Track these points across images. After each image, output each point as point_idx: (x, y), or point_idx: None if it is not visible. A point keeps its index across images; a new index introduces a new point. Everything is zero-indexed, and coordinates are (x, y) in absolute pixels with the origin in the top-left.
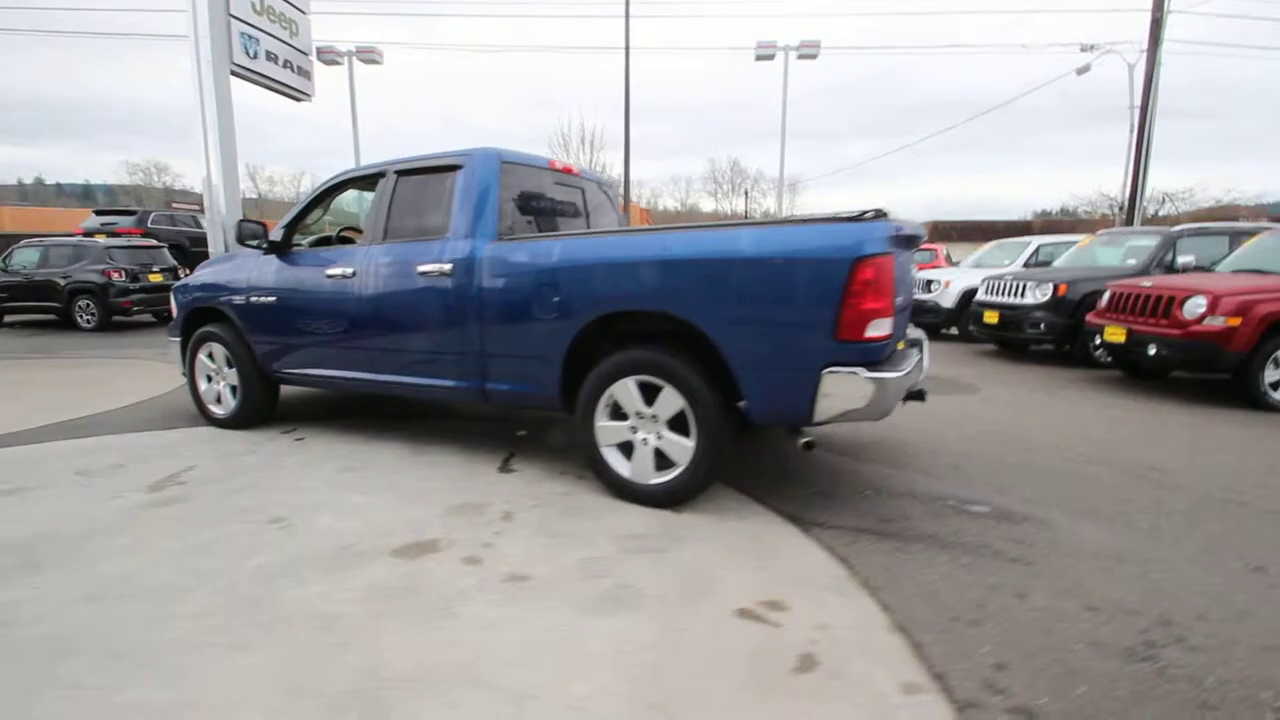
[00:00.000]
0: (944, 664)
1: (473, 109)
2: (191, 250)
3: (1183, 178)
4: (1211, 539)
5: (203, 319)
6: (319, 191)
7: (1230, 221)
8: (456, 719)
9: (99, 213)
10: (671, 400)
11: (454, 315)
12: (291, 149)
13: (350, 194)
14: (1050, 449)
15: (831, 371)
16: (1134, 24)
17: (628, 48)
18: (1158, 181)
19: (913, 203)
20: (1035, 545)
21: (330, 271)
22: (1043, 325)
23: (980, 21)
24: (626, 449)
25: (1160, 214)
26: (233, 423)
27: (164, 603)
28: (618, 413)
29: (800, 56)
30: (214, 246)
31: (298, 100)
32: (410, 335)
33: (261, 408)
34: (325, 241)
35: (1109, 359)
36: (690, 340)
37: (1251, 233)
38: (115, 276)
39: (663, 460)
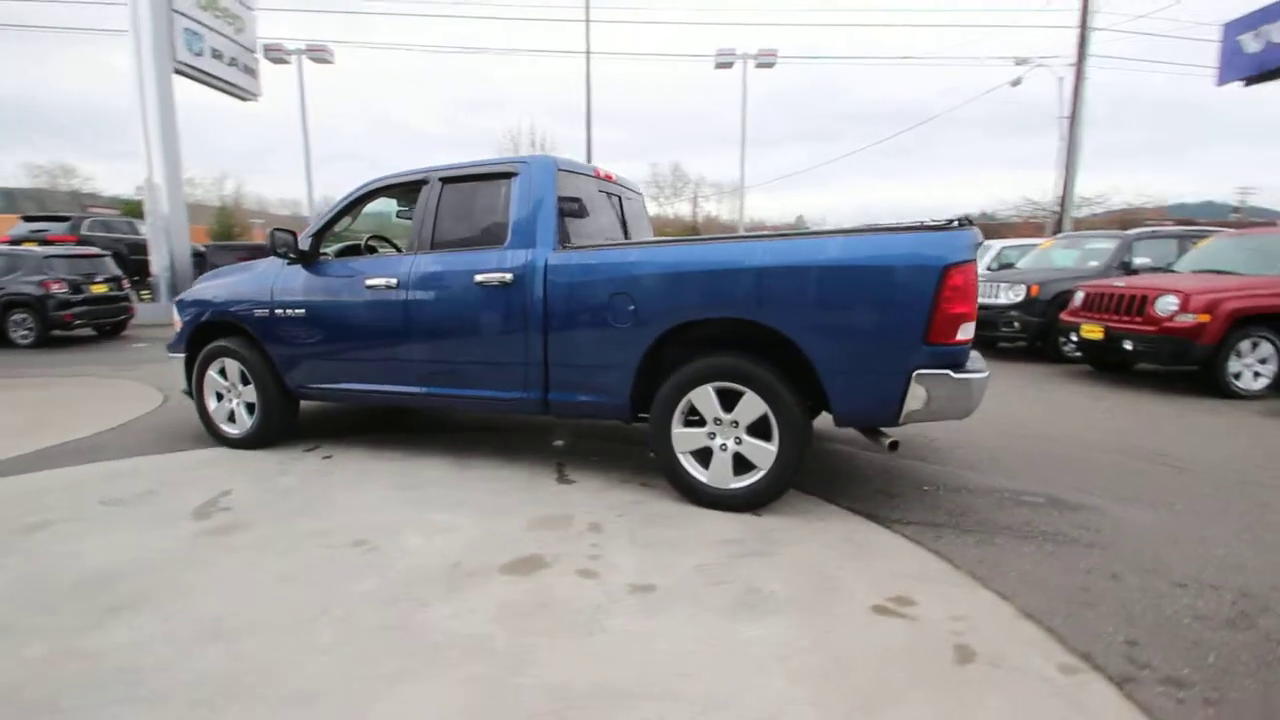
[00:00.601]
0: (1083, 645)
1: (404, 110)
2: (131, 258)
3: (1095, 183)
4: (1246, 517)
5: (211, 333)
6: (350, 199)
7: (1155, 224)
8: None
9: (27, 219)
10: (753, 405)
11: (515, 325)
12: (213, 150)
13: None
14: (1067, 440)
15: (922, 374)
16: (1064, 40)
17: (588, 51)
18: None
19: (845, 207)
20: (1101, 530)
21: (371, 282)
22: (1017, 324)
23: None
24: (702, 455)
25: (1078, 217)
26: (249, 442)
27: (292, 637)
28: (692, 419)
29: (758, 65)
30: (156, 252)
31: (244, 100)
32: (464, 346)
33: (281, 426)
34: (352, 251)
35: (1078, 354)
36: (767, 345)
37: (1199, 236)
38: (55, 288)
39: (740, 464)
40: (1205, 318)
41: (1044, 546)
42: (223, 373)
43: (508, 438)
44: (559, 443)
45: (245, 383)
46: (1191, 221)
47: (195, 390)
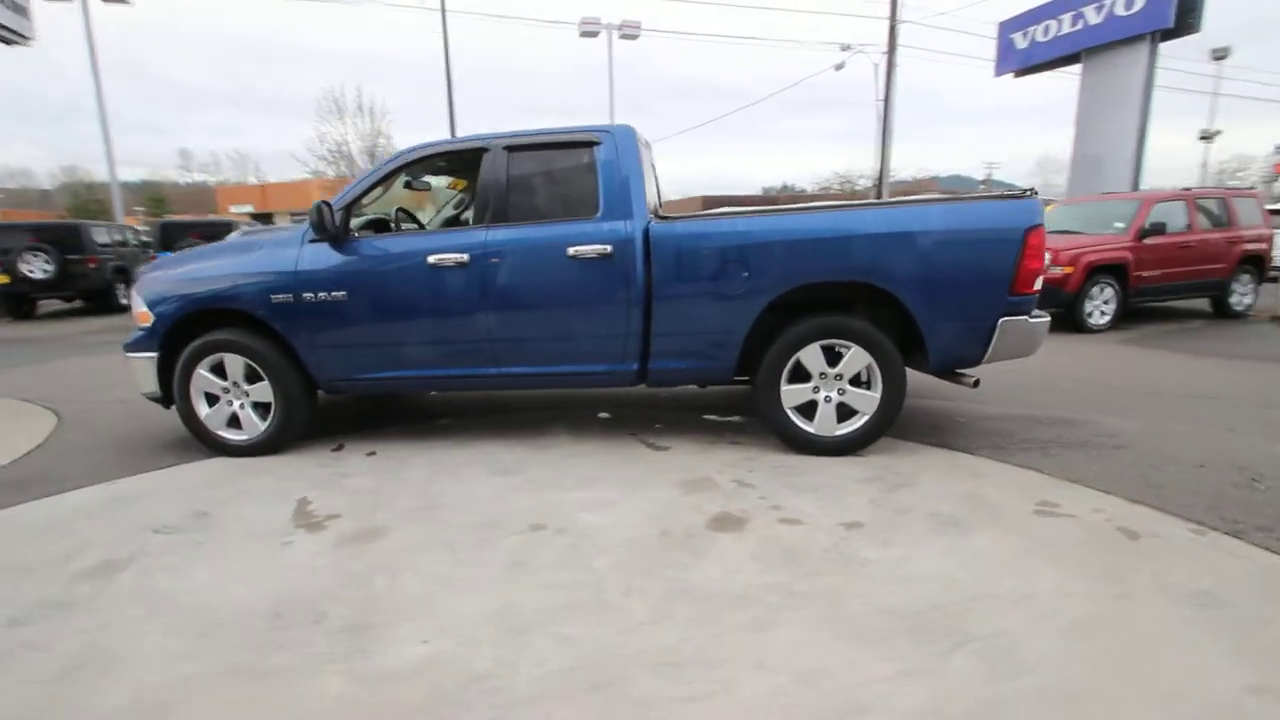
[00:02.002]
0: (1188, 514)
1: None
2: None
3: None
4: (1188, 419)
5: (195, 326)
6: (386, 168)
7: (935, 192)
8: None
9: None
10: (858, 358)
11: (614, 297)
12: None
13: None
14: (1026, 372)
15: (1007, 320)
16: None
17: (444, 10)
18: (866, 162)
19: (668, 179)
20: (1115, 436)
21: (436, 258)
22: None
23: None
24: (804, 408)
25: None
26: (262, 448)
27: (620, 620)
28: (796, 376)
29: (622, 36)
30: None
31: (10, 44)
32: (553, 322)
33: (301, 426)
34: (379, 225)
35: None
36: (864, 304)
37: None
38: None
39: (841, 413)
40: (1070, 269)
41: (1089, 453)
42: (217, 371)
43: (538, 417)
44: (604, 415)
45: (253, 380)
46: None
47: (179, 394)
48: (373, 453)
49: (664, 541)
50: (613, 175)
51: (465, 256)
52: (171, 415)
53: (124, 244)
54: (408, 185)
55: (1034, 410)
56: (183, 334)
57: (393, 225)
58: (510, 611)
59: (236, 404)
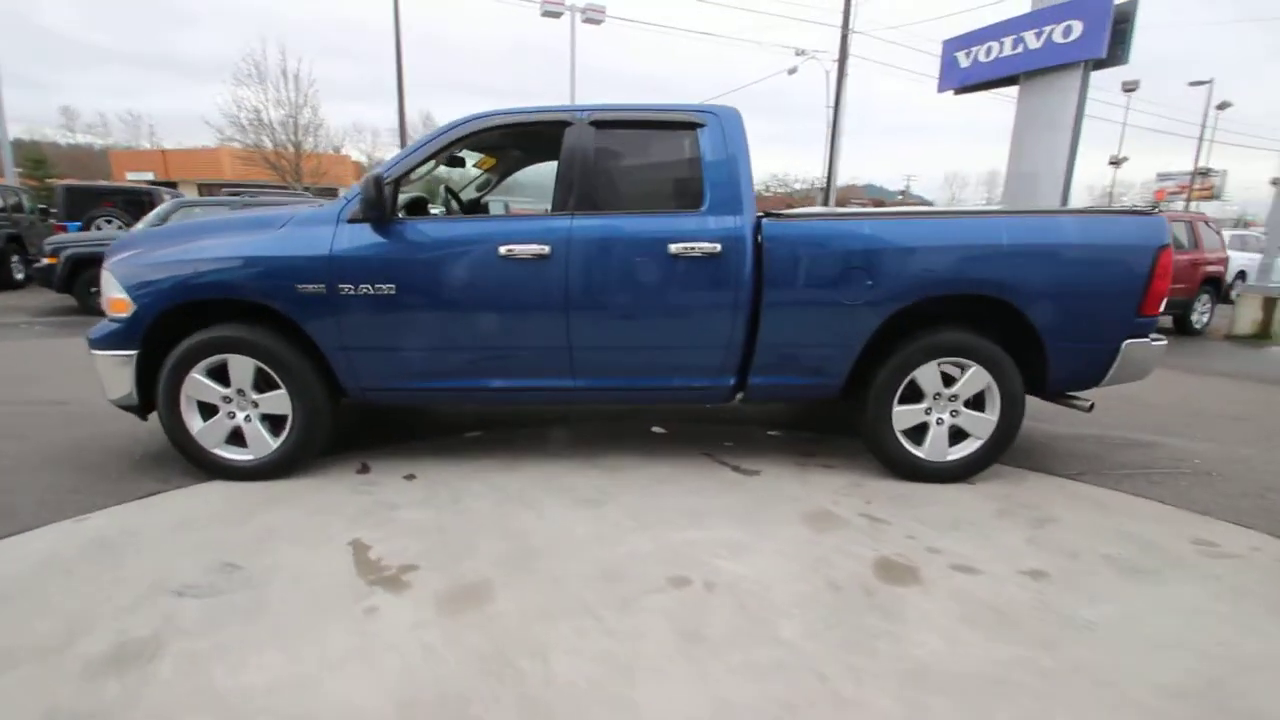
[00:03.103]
0: None
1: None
2: None
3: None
4: (1249, 441)
5: (186, 318)
6: (445, 139)
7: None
8: None
9: None
10: (977, 378)
11: (718, 302)
12: None
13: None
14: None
15: (1132, 343)
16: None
17: None
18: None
19: None
20: (1198, 460)
21: (509, 248)
22: None
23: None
24: (913, 430)
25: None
26: (271, 469)
27: (911, 693)
28: (908, 396)
29: (585, 20)
30: None
31: None
32: (645, 329)
33: (321, 443)
34: (417, 207)
35: None
36: (982, 319)
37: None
38: None
39: (953, 437)
40: None
41: (1190, 480)
42: (217, 376)
43: (584, 432)
44: (659, 429)
45: (263, 388)
46: (881, 201)
47: (165, 403)
48: (411, 476)
49: (843, 599)
50: (720, 164)
51: (545, 248)
52: (140, 424)
53: (18, 209)
54: (453, 162)
55: (1099, 430)
56: (171, 328)
57: (439, 206)
58: (728, 713)
59: (241, 416)
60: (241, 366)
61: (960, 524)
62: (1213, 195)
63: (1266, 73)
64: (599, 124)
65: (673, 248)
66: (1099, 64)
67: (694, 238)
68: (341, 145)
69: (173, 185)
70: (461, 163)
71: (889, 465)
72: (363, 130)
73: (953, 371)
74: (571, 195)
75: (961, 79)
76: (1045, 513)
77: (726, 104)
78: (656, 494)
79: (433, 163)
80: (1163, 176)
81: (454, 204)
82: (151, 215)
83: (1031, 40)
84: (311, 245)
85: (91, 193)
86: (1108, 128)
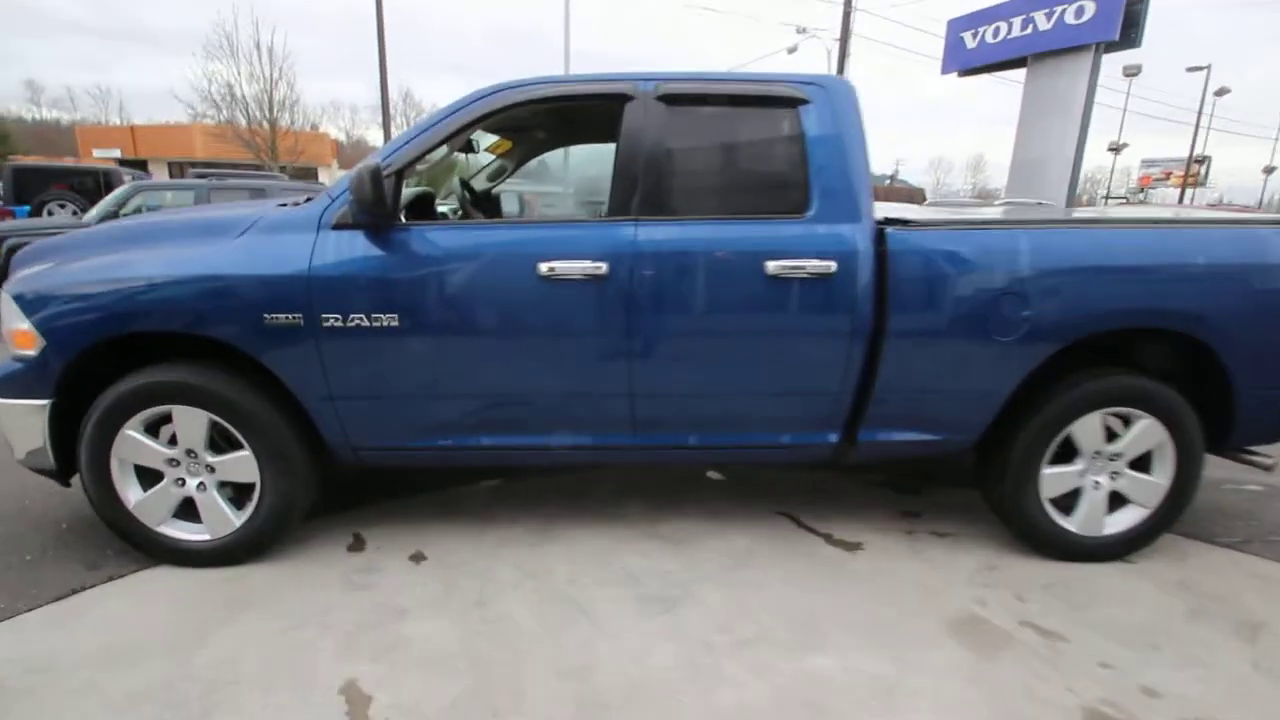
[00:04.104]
0: None
1: None
2: None
3: None
4: None
5: (120, 354)
6: (465, 116)
7: None
8: None
9: None
10: (1149, 435)
11: (826, 336)
12: None
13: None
14: None
15: None
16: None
17: None
18: None
19: None
20: None
21: (552, 266)
22: None
23: None
24: (1065, 498)
25: None
26: (236, 552)
27: None
28: (1057, 455)
29: None
30: None
31: None
32: (731, 371)
33: (301, 516)
34: (423, 206)
35: None
36: (1146, 359)
37: None
38: None
39: (1112, 504)
40: None
41: None
42: (157, 434)
43: (621, 477)
44: (715, 474)
45: (222, 448)
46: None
47: (90, 468)
48: (419, 556)
49: None
50: (830, 153)
51: (601, 266)
52: (61, 491)
53: None
54: (466, 148)
55: (1220, 473)
56: (96, 367)
57: (450, 202)
58: None
59: (193, 483)
60: (190, 421)
61: (1155, 637)
62: (1198, 182)
63: (1251, 57)
64: (670, 99)
65: (770, 266)
66: (1110, 47)
67: (799, 252)
68: (319, 122)
69: (142, 164)
70: (472, 147)
71: (1030, 540)
72: (340, 107)
73: (1114, 424)
74: (635, 195)
75: (966, 61)
76: (1244, 610)
77: (835, 76)
78: (743, 584)
79: (446, 148)
80: (1148, 163)
81: (468, 201)
82: (106, 201)
83: (1042, 21)
84: (283, 260)
85: (42, 173)
86: (1103, 113)
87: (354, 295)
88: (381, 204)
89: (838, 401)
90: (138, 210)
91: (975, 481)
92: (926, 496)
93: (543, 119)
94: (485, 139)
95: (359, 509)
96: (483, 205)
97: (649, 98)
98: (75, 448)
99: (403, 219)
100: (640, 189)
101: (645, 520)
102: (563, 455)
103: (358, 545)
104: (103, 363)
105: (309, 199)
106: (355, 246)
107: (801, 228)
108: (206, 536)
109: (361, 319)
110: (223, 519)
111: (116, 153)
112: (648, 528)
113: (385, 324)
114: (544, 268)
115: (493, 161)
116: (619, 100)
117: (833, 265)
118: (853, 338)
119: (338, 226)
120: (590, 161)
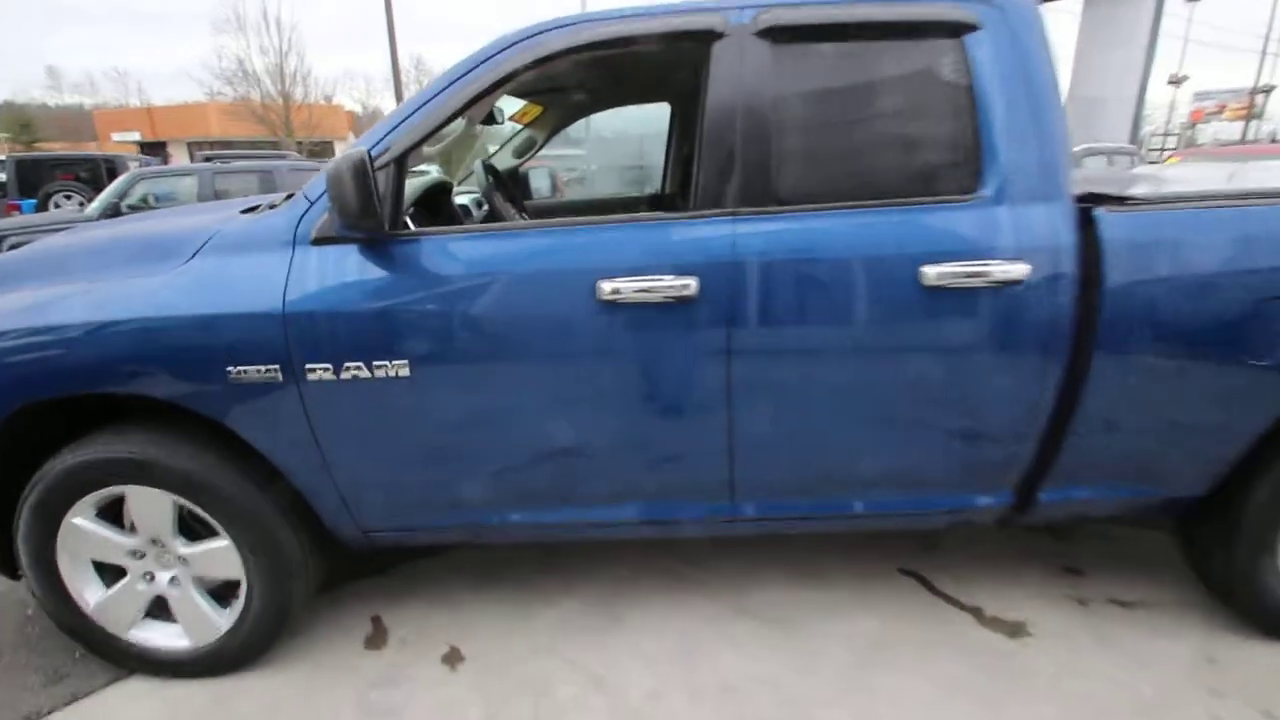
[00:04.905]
0: None
1: None
2: None
3: None
4: None
5: (53, 426)
6: (486, 75)
7: None
8: None
9: None
10: None
11: (1009, 365)
12: None
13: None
14: None
15: None
16: None
17: None
18: None
19: None
20: None
21: (615, 286)
22: None
23: None
24: None
25: None
26: (221, 661)
27: None
28: None
29: None
30: None
31: None
32: (869, 417)
33: (301, 609)
34: (436, 202)
35: None
36: None
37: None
38: None
39: None
40: None
41: None
42: (114, 516)
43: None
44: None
45: (198, 533)
46: None
47: (33, 565)
48: (455, 654)
49: None
50: (1013, 103)
51: (688, 283)
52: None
53: None
54: (488, 120)
55: None
56: (27, 437)
57: (470, 193)
58: None
59: (164, 577)
60: (150, 504)
61: None
62: (1252, 114)
63: None
64: (777, 34)
65: (929, 274)
66: None
67: (971, 252)
68: (333, 94)
69: (161, 146)
70: (495, 117)
71: (1263, 623)
72: (354, 77)
73: None
74: (730, 178)
75: None
76: None
77: None
78: (884, 698)
79: (463, 121)
80: (1200, 95)
81: (494, 191)
82: (106, 192)
83: None
84: (247, 293)
85: (44, 164)
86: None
87: (347, 337)
88: (371, 211)
89: (1017, 451)
90: (144, 200)
91: (1181, 546)
92: (1080, 542)
93: (590, 73)
94: (509, 104)
95: (380, 577)
96: (509, 192)
97: (746, 34)
98: (9, 537)
99: (409, 225)
100: (738, 170)
101: (730, 588)
102: (633, 530)
103: (378, 638)
104: (46, 425)
105: (289, 197)
106: (345, 269)
107: (973, 214)
108: (186, 644)
109: (360, 368)
110: (204, 622)
111: (136, 135)
112: (734, 599)
113: (392, 373)
114: (606, 288)
115: (518, 133)
116: (702, 40)
117: (1023, 269)
118: (1046, 366)
119: (319, 241)
120: (654, 131)
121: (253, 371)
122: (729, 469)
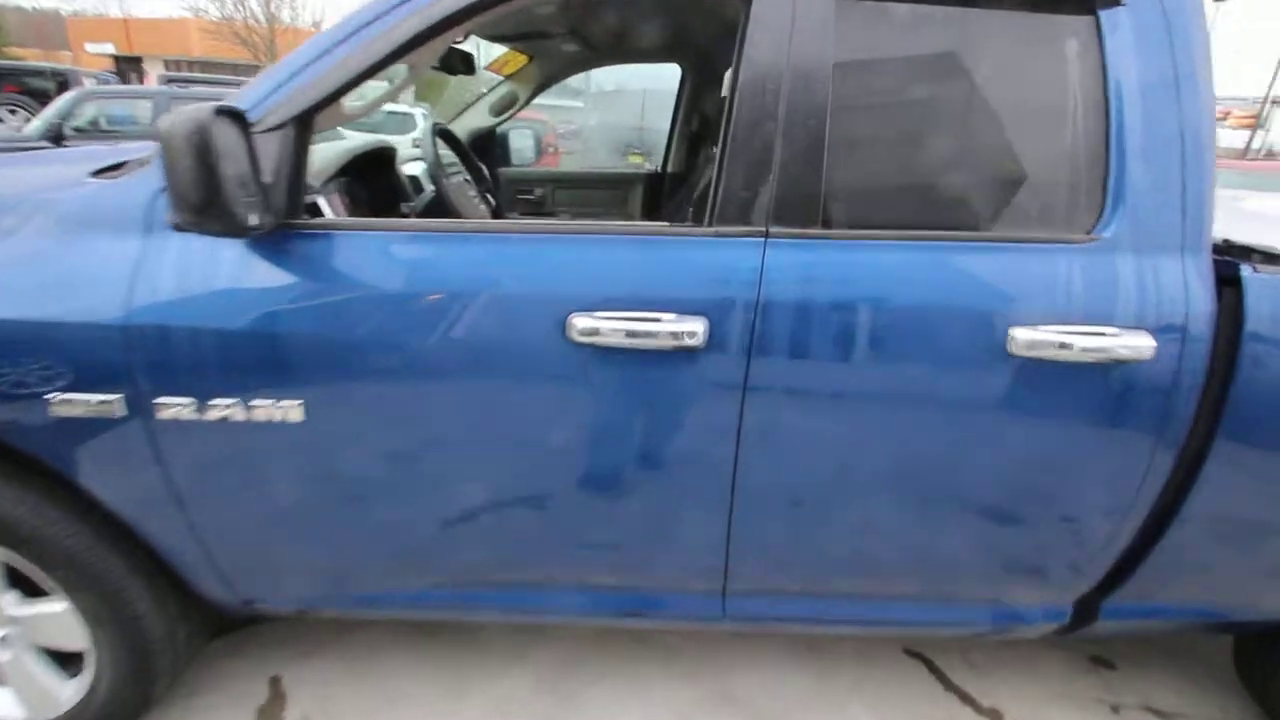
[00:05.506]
0: None
1: None
2: None
3: None
4: None
5: None
6: (421, 9)
7: None
8: None
9: None
10: None
11: (1107, 458)
12: None
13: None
14: None
15: None
16: None
17: None
18: None
19: None
20: None
21: (589, 324)
22: None
23: None
24: None
25: None
26: None
27: None
28: None
29: None
30: None
31: None
32: (905, 509)
33: (168, 681)
34: (372, 173)
35: None
36: None
37: None
38: None
39: None
40: None
41: None
42: None
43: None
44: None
45: (33, 590)
46: None
47: None
48: None
49: None
50: (1157, 112)
51: (695, 327)
52: None
53: None
54: (450, 64)
55: None
56: None
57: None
58: None
59: None
60: None
61: None
62: (1259, 124)
63: None
64: None
65: (1019, 339)
66: None
67: (1079, 314)
68: (323, 20)
69: (137, 61)
70: (467, 62)
71: None
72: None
73: None
74: (765, 183)
75: None
76: None
77: None
78: None
79: (406, 68)
80: None
81: (444, 173)
82: (48, 111)
83: None
84: (74, 295)
85: None
86: None
87: (216, 363)
88: (218, 204)
89: (1093, 561)
90: (92, 123)
91: (1239, 661)
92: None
93: (586, 17)
94: (488, 51)
95: (285, 627)
96: (472, 166)
97: None
98: None
99: (328, 209)
100: (775, 173)
101: (708, 667)
102: (586, 618)
103: (273, 708)
104: None
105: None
106: (215, 269)
107: (1087, 263)
108: (22, 715)
109: (233, 407)
110: (41, 693)
111: (110, 47)
112: (714, 683)
113: (279, 416)
114: (579, 325)
115: (497, 86)
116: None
117: (1146, 344)
118: (1151, 464)
119: (184, 225)
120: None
121: (80, 401)
122: (722, 565)
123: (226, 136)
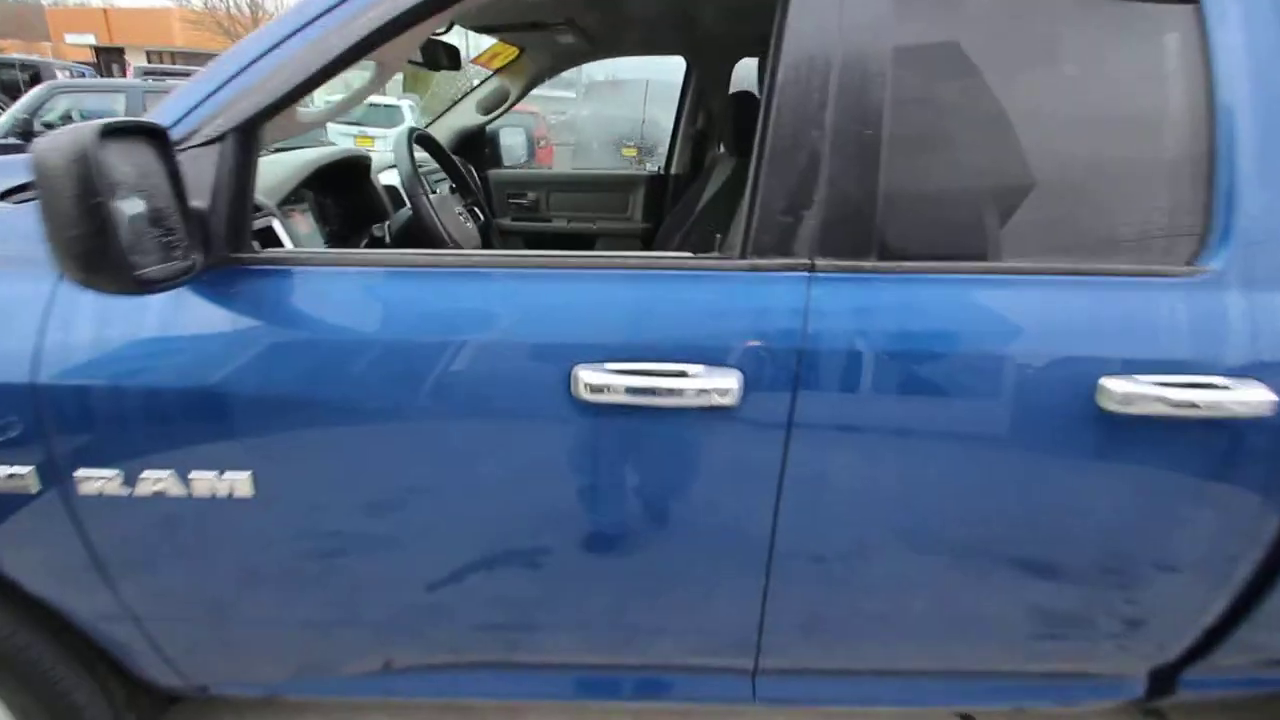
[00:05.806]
0: None
1: None
2: None
3: None
4: None
5: None
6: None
7: None
8: None
9: None
10: None
11: (1203, 528)
12: None
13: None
14: None
15: None
16: None
17: None
18: None
19: None
20: None
21: (597, 381)
22: None
23: None
24: None
25: None
26: None
27: None
28: None
29: None
30: None
31: None
32: (976, 585)
33: None
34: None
35: None
36: None
37: None
38: None
39: None
40: None
41: None
42: None
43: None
44: None
45: None
46: None
47: None
48: None
49: None
50: (1270, 118)
51: (727, 384)
52: None
53: None
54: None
55: None
56: None
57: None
58: None
59: None
60: None
61: None
62: None
63: None
64: None
65: (1113, 391)
66: None
67: (1182, 363)
68: None
69: (119, 52)
70: (452, 56)
71: None
72: None
73: None
74: (810, 207)
75: None
76: None
77: None
78: None
79: (372, 69)
80: None
81: (421, 188)
82: (17, 106)
83: None
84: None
85: None
86: None
87: (145, 427)
88: (108, 258)
89: (1179, 632)
90: (65, 119)
91: None
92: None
93: (584, 4)
94: (475, 43)
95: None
96: (456, 175)
97: None
98: None
99: (285, 235)
100: (822, 194)
101: None
102: (597, 700)
103: None
104: None
105: None
106: (143, 314)
107: (1191, 300)
108: None
109: (168, 479)
110: None
111: (90, 38)
112: None
113: (224, 491)
114: (584, 381)
115: (485, 81)
116: None
117: (1263, 396)
118: (1257, 528)
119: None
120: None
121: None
122: (755, 646)
123: (129, 162)
